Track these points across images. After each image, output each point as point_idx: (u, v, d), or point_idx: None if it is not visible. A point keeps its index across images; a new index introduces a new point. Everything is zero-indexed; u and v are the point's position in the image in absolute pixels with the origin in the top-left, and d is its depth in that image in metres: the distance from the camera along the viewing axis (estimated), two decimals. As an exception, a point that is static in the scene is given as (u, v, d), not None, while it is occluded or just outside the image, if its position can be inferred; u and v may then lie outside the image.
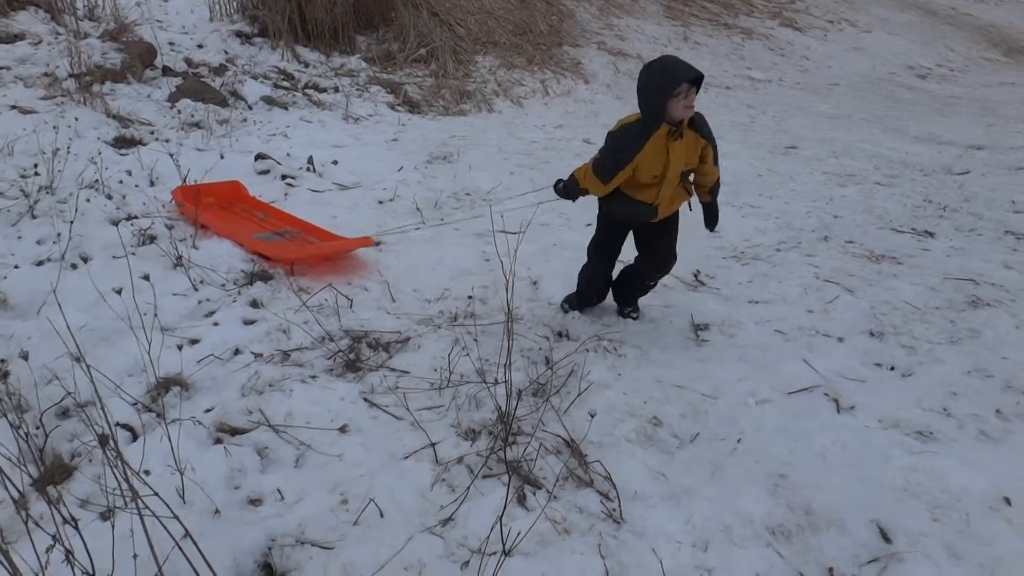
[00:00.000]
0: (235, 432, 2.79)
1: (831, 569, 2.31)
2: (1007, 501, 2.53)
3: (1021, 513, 2.48)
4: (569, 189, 3.61)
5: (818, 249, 4.79)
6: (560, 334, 3.63)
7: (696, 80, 3.11)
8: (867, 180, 6.59)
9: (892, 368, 3.37)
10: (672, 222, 3.62)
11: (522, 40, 9.98)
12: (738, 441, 2.85)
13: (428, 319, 3.67)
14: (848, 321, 3.81)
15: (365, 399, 3.00)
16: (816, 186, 6.37)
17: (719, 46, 12.55)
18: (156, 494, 1.88)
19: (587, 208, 5.27)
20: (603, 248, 3.75)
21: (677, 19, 12.96)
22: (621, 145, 3.28)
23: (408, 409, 2.92)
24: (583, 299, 3.90)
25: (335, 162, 5.75)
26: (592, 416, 2.80)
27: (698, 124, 3.28)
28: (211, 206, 4.60)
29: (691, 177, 3.49)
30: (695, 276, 4.48)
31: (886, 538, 2.40)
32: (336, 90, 7.54)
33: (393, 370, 3.21)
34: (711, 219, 3.67)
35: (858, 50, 14.22)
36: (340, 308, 3.67)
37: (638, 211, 3.47)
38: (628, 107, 8.92)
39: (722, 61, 11.96)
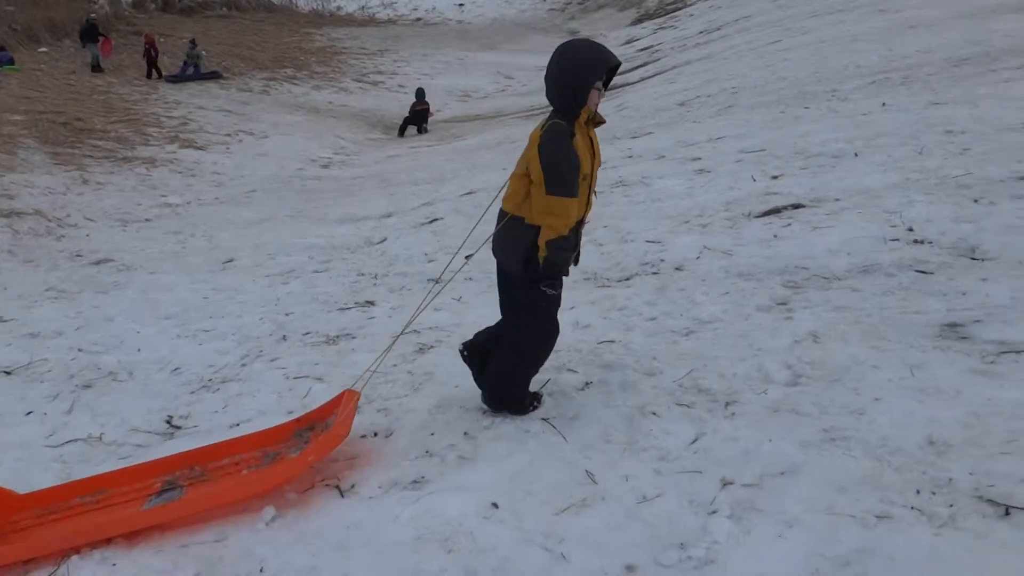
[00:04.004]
0: None
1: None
2: (495, 505, 2.90)
3: (508, 511, 2.86)
4: (555, 258, 3.03)
5: (280, 351, 4.93)
6: None
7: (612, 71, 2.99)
8: (306, 271, 7.01)
9: (375, 434, 3.62)
10: None
11: None
12: (261, 571, 2.76)
13: None
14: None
15: None
16: (262, 291, 6.56)
17: (125, 181, 12.15)
18: None
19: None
20: (553, 319, 3.30)
21: (70, 163, 12.18)
22: (565, 144, 2.90)
23: None
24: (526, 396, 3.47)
25: None
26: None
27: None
28: None
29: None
30: (168, 422, 4.24)
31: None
32: None
33: None
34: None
35: (263, 155, 15.08)
36: None
37: (578, 237, 3.20)
38: (49, 273, 8.07)
39: (133, 195, 11.59)
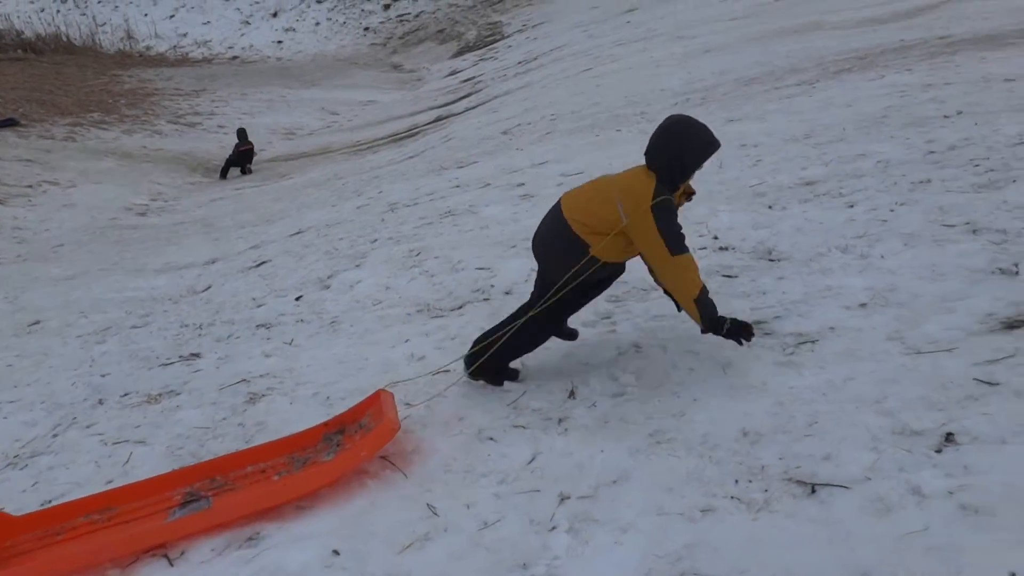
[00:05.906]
0: None
1: None
2: (336, 552, 2.82)
3: (350, 557, 2.80)
4: (705, 310, 3.23)
5: (96, 416, 4.58)
6: None
7: None
8: (123, 327, 6.58)
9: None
10: None
11: None
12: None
13: None
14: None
15: None
16: (75, 352, 6.09)
17: (-93, 245, 10.96)
18: None
19: None
20: (564, 312, 3.58)
21: None
22: (674, 215, 3.19)
23: None
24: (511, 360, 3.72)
25: None
26: None
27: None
28: None
29: None
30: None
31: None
32: None
33: None
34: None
35: (70, 206, 14.03)
36: None
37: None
38: None
39: (-82, 260, 10.46)
